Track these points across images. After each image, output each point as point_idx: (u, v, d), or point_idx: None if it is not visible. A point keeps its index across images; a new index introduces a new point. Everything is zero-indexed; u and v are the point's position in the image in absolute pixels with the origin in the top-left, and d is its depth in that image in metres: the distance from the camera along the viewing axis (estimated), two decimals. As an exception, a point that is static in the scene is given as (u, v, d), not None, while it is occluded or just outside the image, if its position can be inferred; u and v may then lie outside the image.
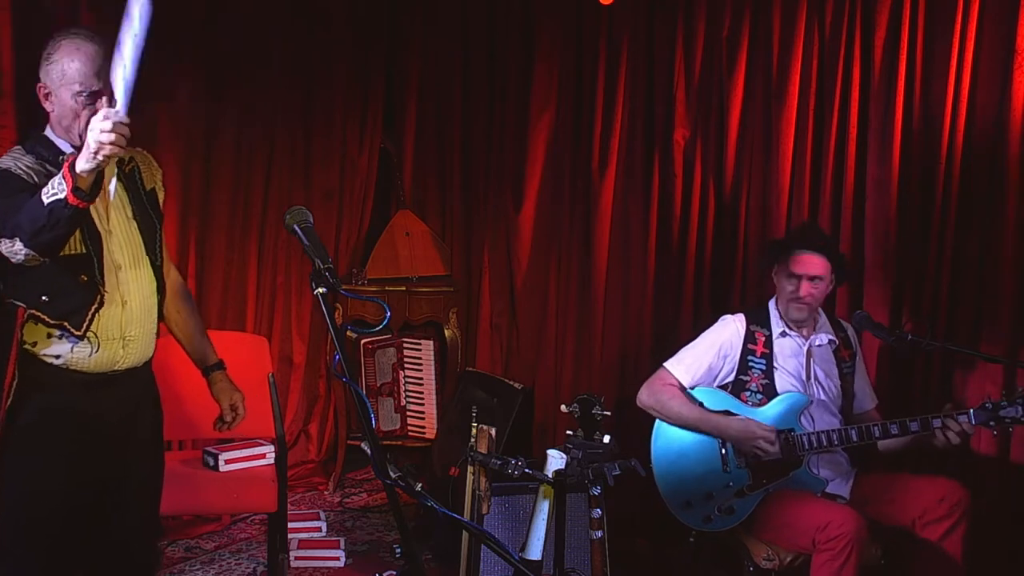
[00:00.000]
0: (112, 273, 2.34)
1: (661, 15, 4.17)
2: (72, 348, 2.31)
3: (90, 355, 2.33)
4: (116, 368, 2.38)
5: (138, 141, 2.27)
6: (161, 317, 2.51)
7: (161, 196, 2.54)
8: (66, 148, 2.32)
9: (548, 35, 4.49)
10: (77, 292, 2.30)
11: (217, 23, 4.24)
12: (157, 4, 2.00)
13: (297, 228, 2.09)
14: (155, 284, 2.45)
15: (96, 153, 2.03)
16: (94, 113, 2.13)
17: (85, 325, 2.31)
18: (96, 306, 2.31)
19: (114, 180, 2.38)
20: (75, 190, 2.06)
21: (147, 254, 2.42)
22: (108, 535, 2.47)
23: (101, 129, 2.01)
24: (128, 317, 2.37)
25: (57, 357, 2.31)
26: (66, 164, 2.10)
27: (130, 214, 2.42)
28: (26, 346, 2.30)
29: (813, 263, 3.12)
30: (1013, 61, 3.29)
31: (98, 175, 2.12)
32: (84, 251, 2.29)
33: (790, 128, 3.83)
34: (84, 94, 2.26)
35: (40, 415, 2.32)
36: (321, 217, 4.62)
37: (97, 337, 2.32)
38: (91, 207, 2.22)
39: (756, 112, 3.96)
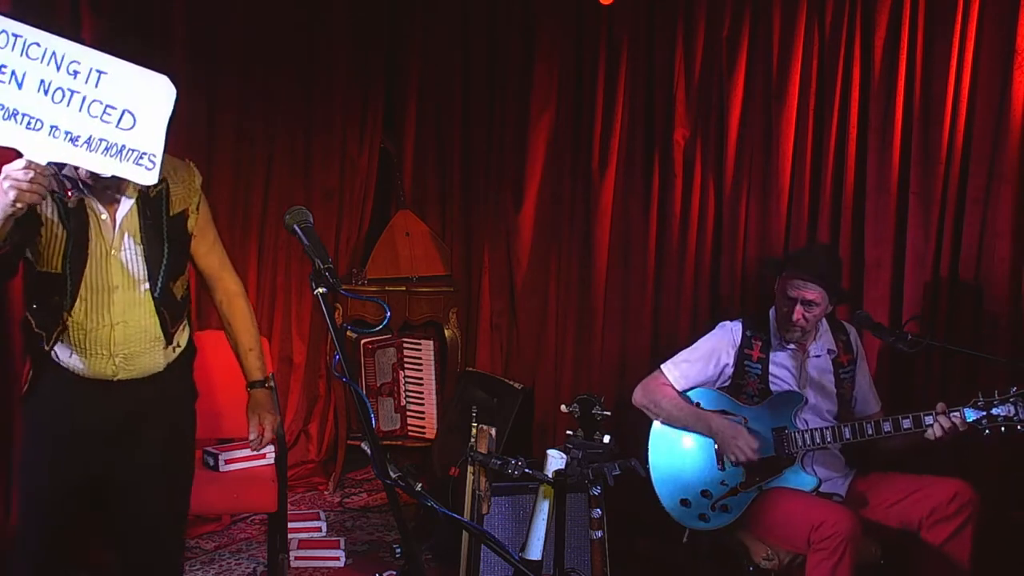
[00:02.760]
0: (104, 294, 2.39)
1: (661, 15, 4.17)
2: (70, 354, 2.41)
3: (82, 366, 2.42)
4: (112, 378, 2.45)
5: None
6: (169, 340, 2.54)
7: (193, 219, 2.54)
8: None
9: (548, 35, 4.49)
10: (49, 311, 2.38)
11: (217, 23, 4.24)
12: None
13: (297, 228, 2.10)
14: (153, 306, 2.46)
15: (15, 202, 2.05)
16: None
17: (49, 344, 2.40)
18: (60, 328, 2.39)
19: (128, 203, 2.41)
20: None
21: (148, 279, 2.44)
22: (120, 544, 2.61)
23: (17, 179, 2.03)
24: (119, 337, 2.42)
25: (60, 358, 2.43)
26: None
27: (138, 239, 2.43)
28: (45, 345, 2.41)
29: (808, 290, 3.09)
30: (1013, 61, 3.29)
31: (31, 215, 2.18)
32: (60, 271, 2.35)
33: (790, 128, 3.83)
34: None
35: (42, 405, 2.47)
36: (321, 217, 4.62)
37: (85, 351, 2.40)
38: (96, 230, 2.34)
39: (756, 112, 3.96)
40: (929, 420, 2.88)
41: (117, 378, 2.45)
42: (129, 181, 2.31)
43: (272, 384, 2.77)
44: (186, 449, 2.70)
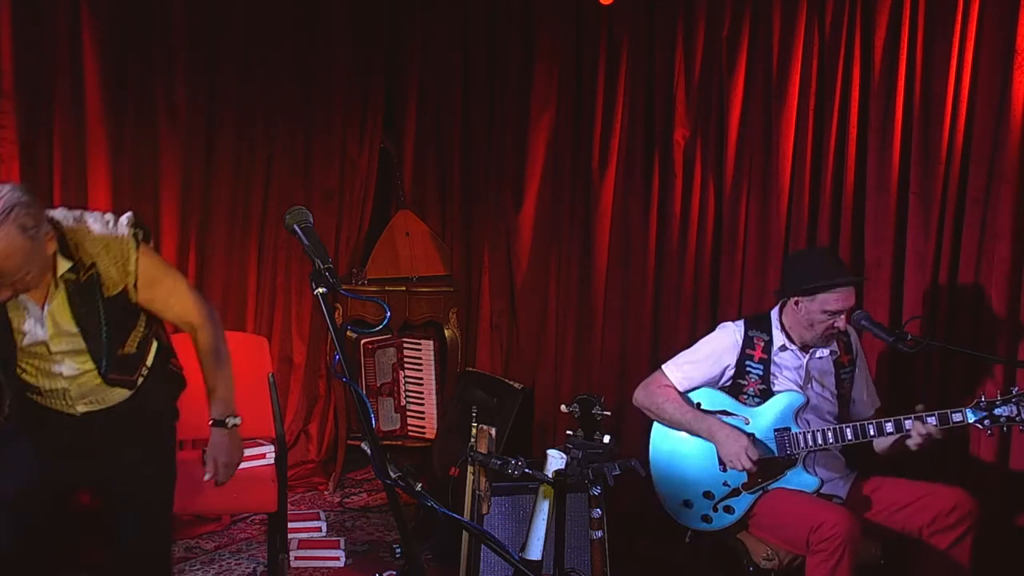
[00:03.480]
0: (51, 367, 2.44)
1: (661, 15, 4.17)
2: (33, 395, 2.49)
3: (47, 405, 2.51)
4: (75, 414, 2.52)
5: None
6: (132, 386, 2.55)
7: (134, 294, 2.43)
8: None
9: (548, 35, 4.49)
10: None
11: (217, 23, 4.24)
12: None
13: (297, 228, 2.09)
14: (98, 376, 2.46)
15: None
16: None
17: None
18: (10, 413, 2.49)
19: (56, 295, 2.36)
20: None
21: (92, 360, 2.45)
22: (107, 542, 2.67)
23: None
24: (75, 394, 2.49)
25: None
26: None
27: (73, 327, 2.40)
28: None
29: (849, 297, 3.06)
30: (1013, 61, 3.29)
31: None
32: None
33: (790, 128, 3.83)
34: None
35: (12, 418, 2.52)
36: (321, 217, 4.62)
37: (47, 400, 2.50)
38: (26, 321, 2.36)
39: (756, 112, 3.95)
40: (932, 420, 2.88)
41: (86, 413, 2.52)
42: (49, 275, 2.32)
43: (233, 424, 2.66)
44: (162, 450, 2.71)
